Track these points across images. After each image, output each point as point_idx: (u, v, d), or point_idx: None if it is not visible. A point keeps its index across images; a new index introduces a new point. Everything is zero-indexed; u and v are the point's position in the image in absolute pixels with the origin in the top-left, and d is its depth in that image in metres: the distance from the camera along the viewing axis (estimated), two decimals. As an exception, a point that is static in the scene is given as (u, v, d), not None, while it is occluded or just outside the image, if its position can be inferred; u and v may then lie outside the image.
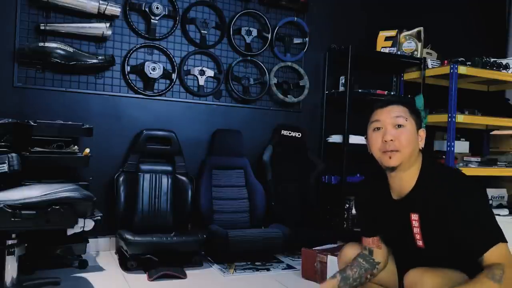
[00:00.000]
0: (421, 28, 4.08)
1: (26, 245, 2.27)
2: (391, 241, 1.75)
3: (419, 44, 4.07)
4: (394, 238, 1.71)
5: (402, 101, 1.62)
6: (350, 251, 1.82)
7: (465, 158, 4.16)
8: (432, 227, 1.54)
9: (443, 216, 1.49)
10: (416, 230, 1.57)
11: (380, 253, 1.75)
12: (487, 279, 1.37)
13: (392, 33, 4.09)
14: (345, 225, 3.81)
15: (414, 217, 1.57)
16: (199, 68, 3.55)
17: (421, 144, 1.60)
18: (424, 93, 3.98)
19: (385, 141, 1.54)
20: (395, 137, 1.53)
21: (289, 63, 3.87)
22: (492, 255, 1.41)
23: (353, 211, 3.82)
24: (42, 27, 3.03)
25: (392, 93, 4.05)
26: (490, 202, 4.37)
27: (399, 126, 1.55)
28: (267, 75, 3.74)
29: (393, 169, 1.57)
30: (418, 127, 1.60)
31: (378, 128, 1.58)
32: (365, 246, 1.77)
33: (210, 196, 3.39)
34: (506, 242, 1.44)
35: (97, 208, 2.37)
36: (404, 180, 1.59)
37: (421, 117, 1.65)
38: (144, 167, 3.24)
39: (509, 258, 1.41)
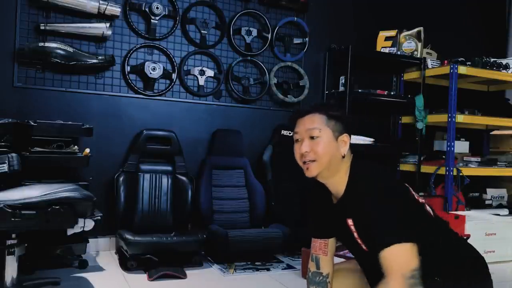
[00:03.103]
0: (421, 28, 4.08)
1: (26, 245, 2.27)
2: (347, 246, 1.74)
3: (419, 44, 4.07)
4: (346, 242, 1.70)
5: (320, 108, 1.59)
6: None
7: (465, 158, 4.16)
8: (365, 232, 1.53)
9: (368, 221, 1.48)
10: (356, 234, 1.57)
11: (326, 261, 1.73)
12: None
13: (392, 33, 4.09)
14: None
15: (350, 222, 1.57)
16: (199, 68, 3.55)
17: (343, 150, 1.57)
18: (424, 93, 3.98)
19: (301, 153, 1.57)
20: (310, 148, 1.55)
21: (289, 63, 3.87)
22: (384, 260, 1.39)
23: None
24: (42, 27, 3.03)
25: (392, 92, 4.07)
26: (490, 202, 4.38)
27: (315, 137, 1.55)
28: (267, 75, 3.74)
29: (314, 178, 1.59)
30: (339, 133, 1.57)
31: (298, 139, 1.60)
32: (313, 254, 1.75)
33: (210, 196, 3.39)
34: (407, 241, 1.39)
35: (97, 208, 2.37)
36: (336, 186, 1.60)
37: (345, 122, 1.60)
38: (144, 167, 3.24)
39: (399, 261, 1.38)
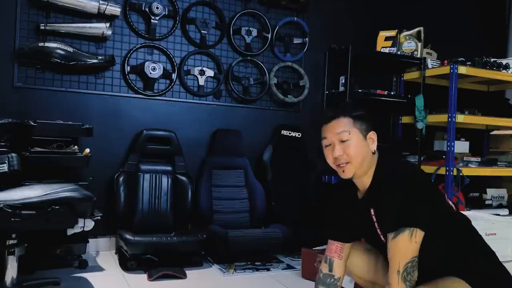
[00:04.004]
0: (421, 28, 4.08)
1: (26, 245, 2.27)
2: (369, 241, 1.82)
3: (419, 44, 4.07)
4: (367, 237, 1.78)
5: (344, 111, 1.65)
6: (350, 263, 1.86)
7: (465, 158, 4.16)
8: (383, 221, 1.60)
9: (384, 206, 1.57)
10: (376, 224, 1.64)
11: (339, 264, 1.77)
12: None
13: (392, 33, 4.09)
14: None
15: (372, 212, 1.64)
16: (199, 68, 3.55)
17: (373, 147, 1.65)
18: (424, 93, 3.98)
19: (335, 157, 1.63)
20: (343, 152, 1.61)
21: (289, 63, 3.86)
22: (389, 249, 1.52)
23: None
24: (42, 27, 3.03)
25: (392, 92, 4.07)
26: (490, 202, 4.38)
27: (345, 140, 1.61)
28: (267, 75, 3.74)
29: (350, 178, 1.66)
30: (366, 132, 1.64)
31: (329, 144, 1.66)
32: (327, 256, 1.79)
33: (210, 196, 3.39)
34: (415, 228, 1.49)
35: (97, 208, 2.37)
36: (364, 182, 1.67)
37: (369, 120, 1.68)
38: (144, 167, 3.24)
39: (400, 256, 1.49)
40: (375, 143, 1.65)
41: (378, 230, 1.64)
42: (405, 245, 1.48)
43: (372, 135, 1.65)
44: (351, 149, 1.60)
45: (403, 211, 1.50)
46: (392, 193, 1.52)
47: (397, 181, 1.55)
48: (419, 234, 1.49)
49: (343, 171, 1.63)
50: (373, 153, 1.64)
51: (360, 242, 1.87)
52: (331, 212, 1.84)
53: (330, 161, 1.67)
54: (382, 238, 1.63)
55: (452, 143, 3.75)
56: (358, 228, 1.75)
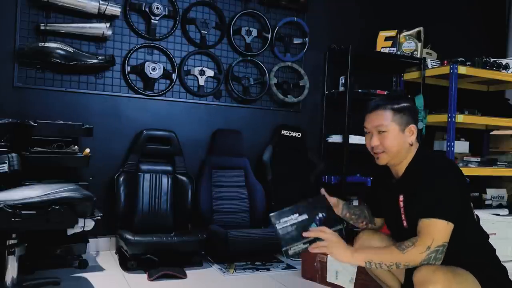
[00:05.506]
0: (421, 28, 4.09)
1: (26, 245, 2.27)
2: (389, 223, 1.92)
3: (419, 44, 4.07)
4: (390, 219, 1.88)
5: (386, 104, 1.73)
6: (365, 236, 1.98)
7: (465, 158, 4.16)
8: (411, 208, 1.69)
9: (418, 195, 1.65)
10: (402, 210, 1.74)
11: (378, 221, 2.01)
12: (394, 248, 1.58)
13: (392, 33, 4.09)
14: (345, 225, 3.81)
15: (401, 198, 1.74)
16: (199, 68, 3.55)
17: (411, 139, 1.72)
18: (424, 93, 3.98)
19: (372, 146, 1.74)
20: (379, 142, 1.72)
21: (289, 63, 3.87)
22: (423, 224, 1.57)
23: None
24: (42, 27, 3.03)
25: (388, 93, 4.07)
26: (490, 202, 4.38)
27: (383, 131, 1.71)
28: (267, 75, 3.74)
29: (383, 165, 1.77)
30: (405, 125, 1.71)
31: (368, 132, 1.77)
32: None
33: (210, 196, 3.39)
34: (449, 221, 1.56)
35: (97, 208, 2.37)
36: (398, 170, 1.78)
37: (412, 112, 1.75)
38: (144, 167, 3.24)
39: (435, 236, 1.54)
40: (414, 135, 1.73)
41: (403, 216, 1.73)
42: (443, 227, 1.54)
43: (412, 127, 1.72)
44: (387, 140, 1.69)
45: (439, 202, 1.57)
46: (430, 182, 1.60)
47: (435, 173, 1.63)
48: (451, 225, 1.56)
49: (378, 158, 1.74)
50: (411, 144, 1.72)
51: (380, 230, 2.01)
52: (369, 191, 2.07)
53: (368, 147, 1.78)
54: (405, 224, 1.72)
55: (452, 143, 3.76)
56: (385, 208, 1.88)
